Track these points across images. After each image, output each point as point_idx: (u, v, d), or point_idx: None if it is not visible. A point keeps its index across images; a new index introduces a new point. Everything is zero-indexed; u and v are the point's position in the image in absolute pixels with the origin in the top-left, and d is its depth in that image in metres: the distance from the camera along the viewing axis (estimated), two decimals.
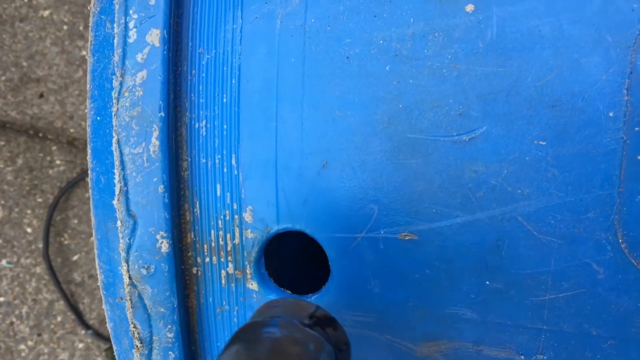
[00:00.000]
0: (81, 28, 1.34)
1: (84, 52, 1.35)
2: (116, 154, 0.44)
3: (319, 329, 0.36)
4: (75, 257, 1.36)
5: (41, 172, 1.36)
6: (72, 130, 1.36)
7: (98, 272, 0.50)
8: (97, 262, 0.50)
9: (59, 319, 1.37)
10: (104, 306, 0.51)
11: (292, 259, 0.59)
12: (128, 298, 0.45)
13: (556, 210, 0.40)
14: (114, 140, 0.43)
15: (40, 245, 1.35)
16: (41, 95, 1.36)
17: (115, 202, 0.44)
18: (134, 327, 0.46)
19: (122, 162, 0.44)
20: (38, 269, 1.36)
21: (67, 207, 1.36)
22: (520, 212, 0.41)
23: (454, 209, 0.42)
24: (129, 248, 0.44)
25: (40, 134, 1.36)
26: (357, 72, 0.42)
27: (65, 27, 1.34)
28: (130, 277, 0.45)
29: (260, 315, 0.38)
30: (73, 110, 1.36)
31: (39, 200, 1.36)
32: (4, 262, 1.36)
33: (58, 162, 1.36)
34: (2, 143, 1.35)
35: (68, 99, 1.35)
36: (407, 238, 0.43)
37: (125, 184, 0.44)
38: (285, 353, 0.33)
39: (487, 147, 0.40)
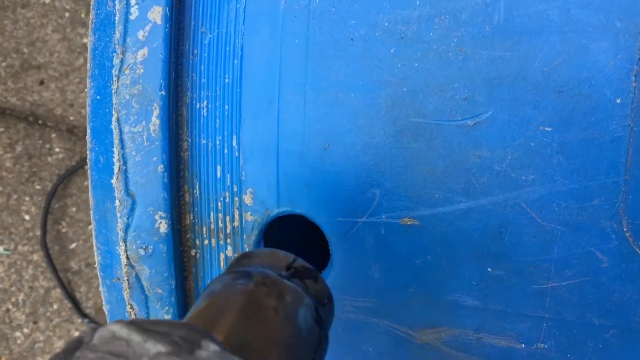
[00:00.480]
0: (83, 15, 1.34)
1: (85, 40, 1.34)
2: (116, 132, 0.43)
3: (298, 281, 0.34)
4: (72, 245, 1.36)
5: (40, 159, 1.35)
6: (72, 118, 1.35)
7: (95, 253, 0.50)
8: (94, 243, 0.50)
9: (55, 307, 1.36)
10: (100, 288, 0.51)
11: (292, 244, 0.59)
12: (125, 279, 0.45)
13: (560, 197, 0.40)
14: (114, 118, 0.43)
15: (38, 233, 1.34)
16: (41, 82, 1.35)
17: (114, 181, 0.44)
18: (131, 308, 0.46)
19: (121, 140, 0.43)
20: (35, 257, 1.36)
21: (65, 194, 1.35)
22: (524, 199, 0.40)
23: (456, 195, 0.41)
24: (127, 228, 0.44)
25: (40, 121, 1.35)
26: (361, 55, 0.42)
27: (67, 14, 1.33)
28: (128, 258, 0.44)
29: (235, 266, 0.36)
30: (73, 98, 1.35)
31: (38, 187, 1.35)
32: (1, 249, 1.35)
33: (57, 149, 1.36)
34: (2, 129, 1.34)
35: (68, 86, 1.35)
36: (408, 223, 0.42)
37: (125, 163, 0.43)
38: (259, 306, 0.31)
39: (492, 132, 0.40)
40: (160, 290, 0.45)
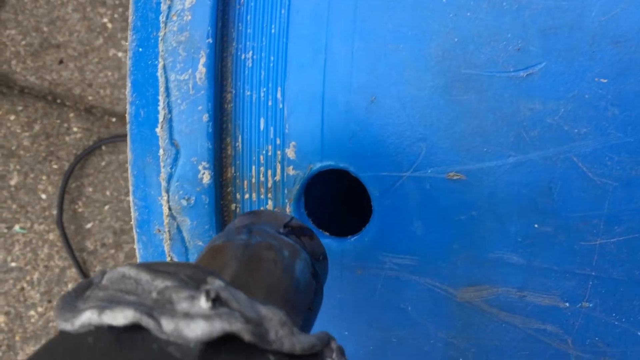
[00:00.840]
0: None
1: (105, 20, 1.34)
2: (161, 80, 0.43)
3: (294, 237, 0.37)
4: (88, 225, 1.36)
5: (58, 138, 1.35)
6: (90, 98, 1.35)
7: (132, 209, 0.50)
8: (131, 199, 0.49)
9: (70, 286, 1.36)
10: (135, 245, 0.51)
11: (334, 201, 0.58)
12: (167, 229, 0.45)
13: (614, 151, 0.39)
14: (160, 65, 0.43)
15: (54, 212, 1.34)
16: (61, 62, 1.35)
17: (158, 130, 0.44)
18: (171, 259, 0.45)
19: (167, 88, 0.43)
20: (51, 236, 1.36)
21: (82, 174, 1.35)
22: (575, 153, 0.40)
23: (506, 149, 0.41)
24: (170, 178, 0.44)
25: (58, 100, 1.35)
26: (411, 4, 0.41)
27: None
28: (170, 208, 0.44)
29: (237, 223, 0.38)
30: (92, 78, 1.35)
31: (55, 166, 1.35)
32: (17, 227, 1.35)
33: (75, 129, 1.36)
34: (20, 108, 1.34)
35: (87, 66, 1.34)
36: (454, 178, 0.42)
37: (170, 112, 0.43)
38: (259, 258, 0.33)
39: (545, 83, 0.39)
40: (201, 243, 0.45)
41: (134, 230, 0.50)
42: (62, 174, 1.34)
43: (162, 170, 0.44)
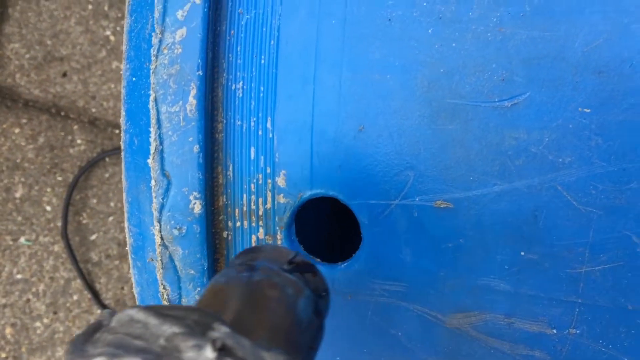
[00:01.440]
0: (106, 8, 1.35)
1: (108, 32, 1.35)
2: (153, 112, 0.43)
3: (298, 275, 0.37)
4: (93, 237, 1.37)
5: (62, 150, 1.37)
6: (93, 110, 1.36)
7: (127, 235, 0.50)
8: (126, 225, 0.50)
9: (75, 297, 1.37)
10: (131, 271, 0.51)
11: (324, 227, 0.59)
12: (159, 259, 0.45)
13: (598, 179, 0.39)
14: (151, 98, 0.43)
15: (59, 224, 1.36)
16: (64, 74, 1.36)
17: (150, 160, 0.44)
18: (164, 288, 0.46)
19: (158, 120, 0.43)
20: (56, 247, 1.37)
21: (86, 186, 1.36)
22: (560, 181, 0.40)
23: (491, 177, 0.41)
24: (162, 208, 0.44)
25: (62, 113, 1.36)
26: (398, 35, 0.42)
27: (90, 7, 1.34)
28: (162, 238, 0.45)
29: (239, 259, 0.38)
30: (95, 90, 1.36)
31: (59, 178, 1.36)
32: (22, 239, 1.36)
33: (79, 141, 1.37)
34: (25, 121, 1.36)
35: (91, 78, 1.36)
36: (442, 206, 0.42)
37: (161, 143, 0.44)
38: (263, 297, 0.33)
39: (529, 113, 0.40)
40: (192, 271, 0.45)
41: (129, 256, 0.51)
42: (67, 186, 1.35)
43: (154, 200, 0.44)
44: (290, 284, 0.35)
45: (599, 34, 0.38)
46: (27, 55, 1.35)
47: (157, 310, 0.27)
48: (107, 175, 1.37)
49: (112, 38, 1.36)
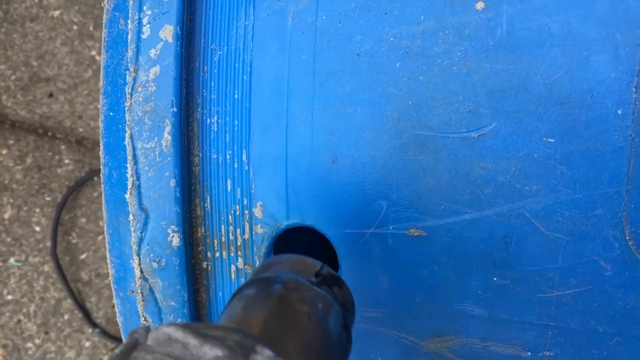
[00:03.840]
0: (91, 28, 1.36)
1: (93, 52, 1.36)
2: (129, 148, 0.44)
3: (326, 288, 0.36)
4: (82, 256, 1.37)
5: (50, 171, 1.37)
6: (80, 130, 1.37)
7: (109, 266, 0.51)
8: (108, 256, 0.51)
9: (66, 317, 1.37)
10: (114, 300, 0.52)
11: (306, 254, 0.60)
12: (139, 291, 0.46)
13: (564, 207, 0.40)
14: (127, 134, 0.44)
15: (49, 244, 1.36)
16: (50, 95, 1.37)
17: (127, 195, 0.45)
18: (145, 320, 0.47)
19: (134, 156, 0.44)
20: (46, 267, 1.37)
21: (75, 206, 1.36)
22: (528, 209, 0.41)
23: (462, 206, 0.42)
24: (140, 241, 0.45)
25: (50, 133, 1.37)
26: (367, 69, 0.43)
27: (75, 27, 1.35)
28: (141, 271, 0.45)
29: (265, 271, 0.37)
30: (82, 110, 1.37)
31: (48, 199, 1.37)
32: (12, 260, 1.36)
33: (67, 161, 1.37)
34: (12, 142, 1.36)
35: (77, 98, 1.36)
36: (415, 234, 0.43)
37: (138, 178, 0.44)
38: (294, 312, 0.32)
39: (496, 144, 0.41)
40: (173, 303, 0.46)
41: (112, 286, 0.52)
42: (55, 206, 1.36)
43: (133, 234, 0.45)
44: (320, 298, 0.34)
45: (560, 66, 0.39)
46: (13, 77, 1.36)
47: (196, 330, 0.26)
48: (95, 194, 1.37)
49: (97, 58, 1.37)
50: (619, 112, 0.39)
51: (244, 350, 0.25)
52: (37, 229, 1.37)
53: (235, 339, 0.26)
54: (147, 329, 0.27)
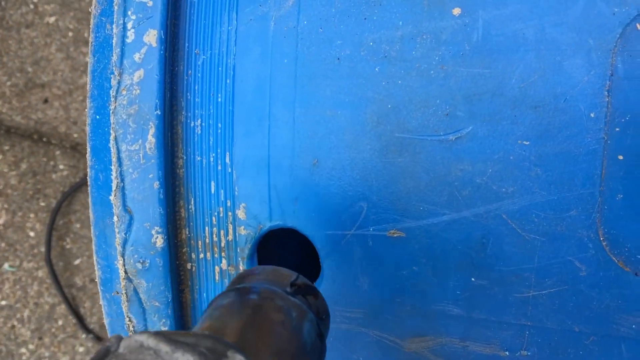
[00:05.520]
0: (86, 35, 1.36)
1: (88, 58, 1.37)
2: (113, 150, 0.45)
3: (301, 297, 0.36)
4: (77, 262, 1.38)
5: (44, 176, 1.38)
6: (75, 135, 1.37)
7: (96, 267, 0.52)
8: (94, 258, 0.51)
9: (60, 322, 1.38)
10: (101, 302, 0.52)
11: (290, 258, 0.60)
12: (124, 292, 0.47)
13: (539, 208, 0.41)
14: (112, 137, 0.45)
15: (43, 249, 1.36)
16: (45, 101, 1.37)
17: (112, 197, 0.46)
18: (129, 320, 0.47)
19: (119, 158, 0.45)
20: (40, 273, 1.37)
21: (69, 211, 1.37)
22: (504, 210, 0.42)
23: (440, 207, 0.43)
24: (125, 243, 0.46)
25: (44, 139, 1.38)
26: (347, 73, 0.43)
27: (70, 34, 1.36)
28: (126, 272, 0.46)
29: (241, 281, 0.38)
30: (77, 116, 1.37)
31: (42, 204, 1.37)
32: (6, 265, 1.37)
33: (61, 166, 1.38)
34: (7, 147, 1.37)
35: (72, 104, 1.37)
36: (395, 235, 0.44)
37: (122, 180, 0.45)
38: (268, 321, 0.33)
39: (472, 146, 0.42)
40: (157, 303, 0.47)
41: (99, 288, 0.52)
42: (50, 211, 1.36)
43: (117, 235, 0.46)
44: (294, 307, 0.35)
45: (534, 71, 0.40)
46: (9, 83, 1.37)
47: (167, 337, 0.26)
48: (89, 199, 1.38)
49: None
50: (592, 115, 0.40)
51: (215, 355, 0.26)
52: (32, 234, 1.37)
53: (207, 345, 0.26)
54: (120, 338, 0.27)
